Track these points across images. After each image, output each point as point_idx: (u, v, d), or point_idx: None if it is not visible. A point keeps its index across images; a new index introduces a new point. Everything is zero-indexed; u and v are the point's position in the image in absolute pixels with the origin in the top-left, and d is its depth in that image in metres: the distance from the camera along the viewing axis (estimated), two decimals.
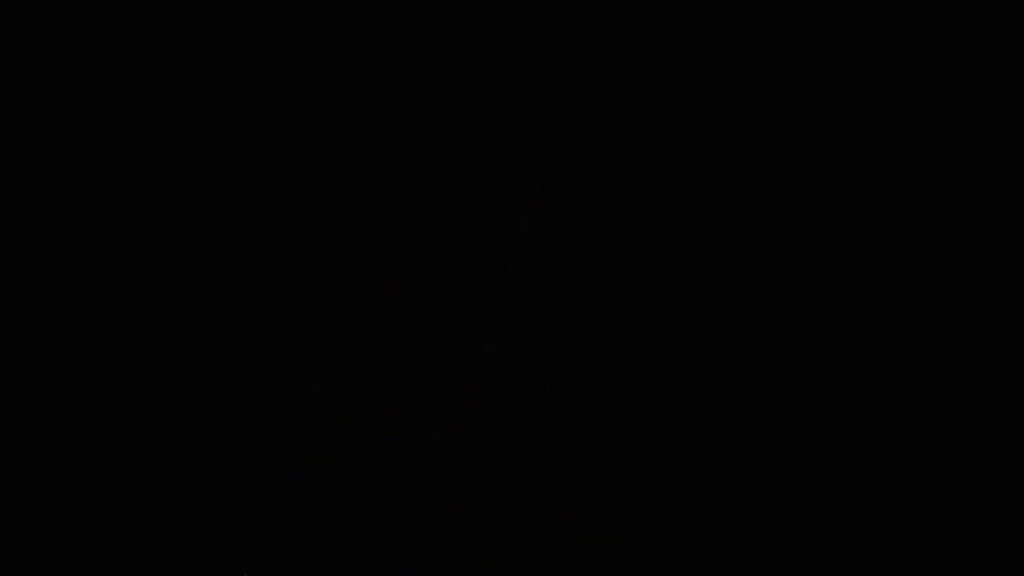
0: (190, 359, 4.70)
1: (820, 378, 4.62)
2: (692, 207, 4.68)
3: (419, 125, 4.76)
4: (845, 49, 4.66)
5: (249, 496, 4.59)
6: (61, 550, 4.50)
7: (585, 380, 4.58)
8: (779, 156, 4.70)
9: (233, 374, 4.62)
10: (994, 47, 4.64)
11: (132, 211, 4.76)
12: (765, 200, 4.70)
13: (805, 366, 4.61)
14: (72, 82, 4.72)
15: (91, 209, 4.76)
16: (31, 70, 4.64)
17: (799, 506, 4.55)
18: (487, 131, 4.74)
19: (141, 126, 4.78)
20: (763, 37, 4.66)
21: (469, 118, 4.75)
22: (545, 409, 4.60)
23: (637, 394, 4.56)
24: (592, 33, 4.73)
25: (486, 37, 4.73)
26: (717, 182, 4.71)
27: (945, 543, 4.57)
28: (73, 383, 4.65)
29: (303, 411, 4.63)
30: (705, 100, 4.68)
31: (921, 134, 4.70)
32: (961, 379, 4.65)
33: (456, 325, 4.59)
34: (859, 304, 4.67)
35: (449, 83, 4.76)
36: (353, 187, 4.76)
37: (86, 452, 4.60)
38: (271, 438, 4.62)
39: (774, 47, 4.64)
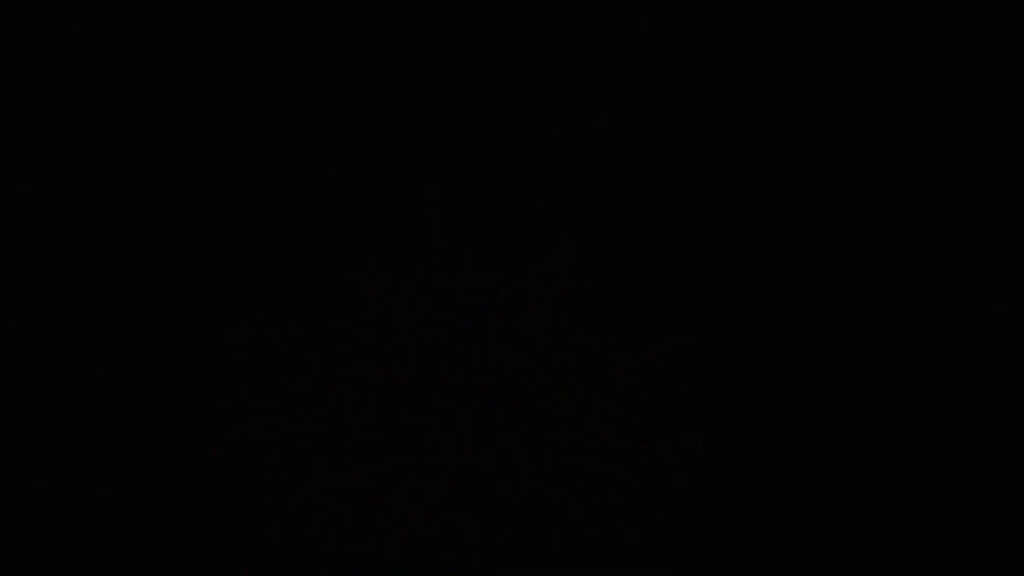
0: (188, 357, 4.70)
1: (821, 378, 4.62)
2: (694, 207, 4.69)
3: (419, 124, 4.76)
4: (845, 49, 4.67)
5: (249, 496, 4.59)
6: (58, 550, 4.50)
7: (587, 379, 4.58)
8: (779, 156, 4.71)
9: (232, 373, 4.62)
10: (994, 47, 4.64)
11: (131, 210, 4.77)
12: (765, 200, 4.71)
13: (806, 366, 4.62)
14: (71, 82, 4.73)
15: (86, 208, 4.76)
16: (31, 70, 4.65)
17: (801, 506, 4.55)
18: (487, 130, 4.75)
19: (139, 125, 4.79)
20: (762, 37, 4.66)
21: (469, 117, 4.76)
22: (545, 409, 4.60)
23: (641, 394, 4.56)
24: (591, 33, 4.74)
25: (485, 37, 4.73)
26: (717, 182, 4.71)
27: (945, 543, 4.57)
28: (70, 382, 4.65)
29: (303, 410, 4.63)
30: (705, 100, 4.69)
31: (921, 134, 4.70)
32: (962, 379, 4.66)
33: (454, 319, 4.59)
34: (860, 305, 4.68)
35: (449, 82, 4.76)
36: (353, 186, 4.77)
37: (86, 451, 4.60)
38: (270, 437, 4.62)
39: (773, 47, 4.64)
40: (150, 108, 4.74)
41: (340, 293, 4.63)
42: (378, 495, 4.56)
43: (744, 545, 4.52)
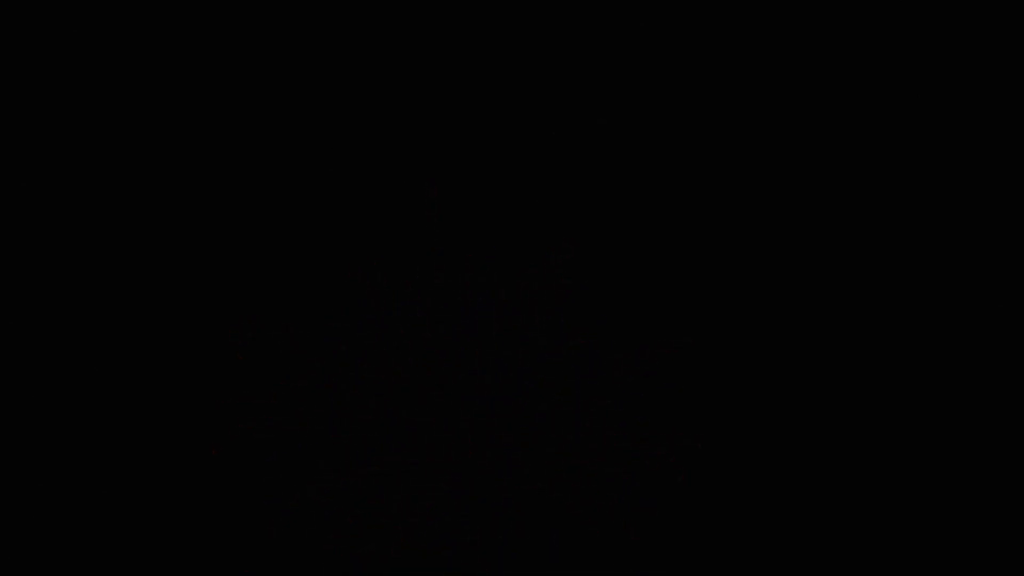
0: (188, 357, 4.70)
1: (821, 378, 4.62)
2: (694, 207, 4.69)
3: (419, 124, 4.76)
4: (845, 49, 4.67)
5: (249, 496, 4.59)
6: (58, 550, 4.49)
7: (587, 379, 4.57)
8: (779, 156, 4.71)
9: (232, 373, 4.61)
10: (994, 47, 4.64)
11: (131, 210, 4.77)
12: (765, 200, 4.70)
13: (806, 366, 4.62)
14: (72, 82, 4.73)
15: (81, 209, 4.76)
16: (31, 70, 4.65)
17: (801, 506, 4.55)
18: (486, 130, 4.74)
19: (138, 125, 4.79)
20: (762, 37, 4.66)
21: (469, 117, 4.76)
22: (545, 409, 4.59)
23: (641, 394, 4.56)
24: (591, 33, 4.74)
25: (485, 37, 4.73)
26: (717, 182, 4.71)
27: (945, 543, 4.57)
28: (70, 382, 4.65)
29: (303, 410, 4.63)
30: (704, 100, 4.69)
31: (921, 134, 4.70)
32: (962, 379, 4.65)
33: (454, 319, 4.59)
34: (860, 304, 4.68)
35: (449, 82, 4.76)
36: (353, 186, 4.77)
37: (86, 451, 4.60)
38: (271, 437, 4.62)
39: (773, 47, 4.64)
40: (149, 108, 4.74)
41: (340, 293, 4.63)
42: (378, 495, 4.56)
43: (744, 545, 4.51)
